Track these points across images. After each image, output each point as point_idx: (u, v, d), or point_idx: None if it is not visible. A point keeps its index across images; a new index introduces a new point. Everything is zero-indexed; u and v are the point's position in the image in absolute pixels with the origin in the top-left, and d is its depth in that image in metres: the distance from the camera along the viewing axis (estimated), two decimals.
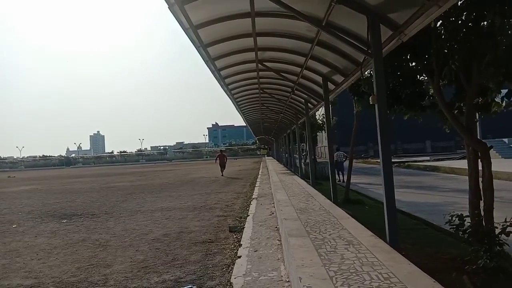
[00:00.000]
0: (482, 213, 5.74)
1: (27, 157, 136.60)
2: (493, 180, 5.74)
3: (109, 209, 14.22)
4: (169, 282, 5.71)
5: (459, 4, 5.39)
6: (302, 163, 23.56)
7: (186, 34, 7.12)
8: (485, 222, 5.59)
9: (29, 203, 17.60)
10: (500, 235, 5.28)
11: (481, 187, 5.87)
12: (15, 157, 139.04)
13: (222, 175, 29.91)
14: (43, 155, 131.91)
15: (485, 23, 5.39)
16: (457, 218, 5.75)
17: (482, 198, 5.79)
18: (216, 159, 32.80)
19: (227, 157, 34.89)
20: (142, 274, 6.21)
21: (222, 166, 31.19)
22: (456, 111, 6.42)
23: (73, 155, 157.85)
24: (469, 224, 5.70)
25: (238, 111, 21.82)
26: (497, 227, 5.37)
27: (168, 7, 5.79)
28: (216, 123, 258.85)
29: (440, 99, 6.05)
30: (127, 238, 8.95)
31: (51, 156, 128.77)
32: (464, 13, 5.39)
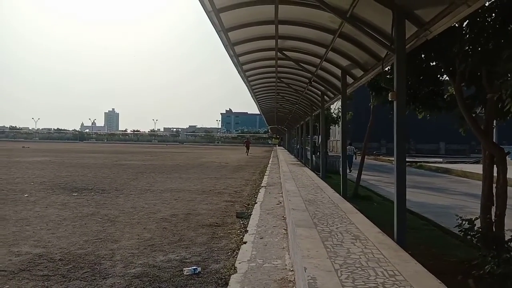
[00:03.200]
0: (493, 218, 5.67)
1: (42, 129, 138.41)
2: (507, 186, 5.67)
3: (119, 186, 14.39)
4: (174, 262, 5.78)
5: (486, 5, 5.27)
6: (313, 156, 23.51)
7: (208, 17, 7.09)
8: (496, 227, 5.53)
9: (42, 174, 17.89)
10: (510, 242, 5.23)
11: (494, 193, 5.80)
12: (30, 128, 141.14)
13: (247, 155, 43.03)
14: (57, 128, 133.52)
15: None
16: (467, 222, 5.71)
17: (495, 203, 5.72)
18: (244, 143, 52.68)
19: (251, 143, 55.90)
20: (149, 251, 6.29)
21: (247, 148, 48.35)
22: (474, 114, 6.33)
23: (87, 130, 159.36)
24: (479, 228, 5.65)
25: (253, 99, 21.78)
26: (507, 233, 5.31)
27: None
28: (230, 109, 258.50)
29: (461, 100, 5.95)
30: (136, 216, 9.07)
31: (66, 130, 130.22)
32: (493, 15, 5.27)
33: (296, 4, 6.95)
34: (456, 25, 5.69)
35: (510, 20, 5.17)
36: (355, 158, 27.58)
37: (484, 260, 5.10)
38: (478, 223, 5.76)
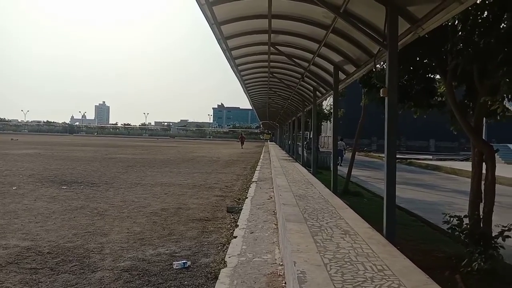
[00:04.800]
0: (481, 215, 5.74)
1: (31, 121, 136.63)
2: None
3: (109, 179, 14.30)
4: (164, 256, 5.76)
5: (478, 2, 5.29)
6: (304, 151, 23.57)
7: (201, 10, 7.03)
8: (484, 224, 5.60)
9: (31, 167, 17.71)
10: (496, 239, 5.29)
11: (482, 189, 5.86)
12: (19, 121, 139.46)
13: (242, 148, 48.16)
14: (47, 120, 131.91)
15: (504, 24, 5.30)
16: (455, 218, 5.77)
17: (483, 200, 5.78)
18: (239, 138, 57.48)
19: (245, 138, 59.97)
20: (138, 245, 6.26)
21: (242, 143, 53.32)
22: (464, 112, 6.37)
23: (77, 123, 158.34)
24: (466, 224, 5.71)
25: (246, 94, 21.74)
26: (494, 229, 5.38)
27: None
28: (221, 104, 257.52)
29: (451, 98, 6.00)
30: (125, 209, 9.02)
31: (55, 123, 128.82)
32: (485, 12, 5.29)
33: None
34: (449, 23, 5.72)
35: (501, 18, 5.20)
36: (345, 153, 28.03)
37: (471, 256, 5.16)
38: (466, 220, 5.83)
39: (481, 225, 5.66)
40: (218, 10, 7.27)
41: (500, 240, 5.23)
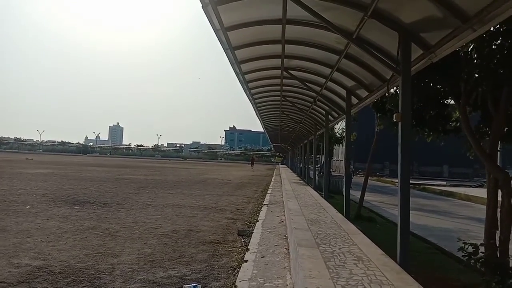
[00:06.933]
0: (497, 243, 5.62)
1: (46, 141, 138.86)
2: None
3: (121, 200, 14.36)
4: (174, 278, 5.73)
5: (492, 29, 5.32)
6: (316, 175, 23.45)
7: (216, 35, 7.17)
8: (500, 252, 5.48)
9: (44, 186, 17.89)
10: None
11: (498, 217, 5.76)
12: (35, 140, 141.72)
13: (252, 169, 51.54)
14: (62, 140, 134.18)
15: None
16: (470, 246, 5.66)
17: (499, 228, 5.67)
18: (250, 160, 65.80)
19: (256, 160, 68.37)
20: (149, 267, 6.24)
21: (252, 164, 58.91)
22: (479, 138, 6.33)
23: (91, 144, 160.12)
24: (482, 253, 5.59)
25: (258, 117, 21.85)
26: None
27: (202, 7, 5.84)
28: (233, 126, 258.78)
29: (466, 124, 5.97)
30: (137, 231, 9.02)
31: (70, 143, 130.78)
32: (499, 39, 5.31)
33: (303, 24, 7.03)
34: (463, 49, 5.75)
35: None
36: (352, 177, 27.95)
37: (487, 285, 5.03)
38: (482, 248, 5.71)
39: (498, 254, 5.54)
40: (233, 35, 7.41)
41: None
